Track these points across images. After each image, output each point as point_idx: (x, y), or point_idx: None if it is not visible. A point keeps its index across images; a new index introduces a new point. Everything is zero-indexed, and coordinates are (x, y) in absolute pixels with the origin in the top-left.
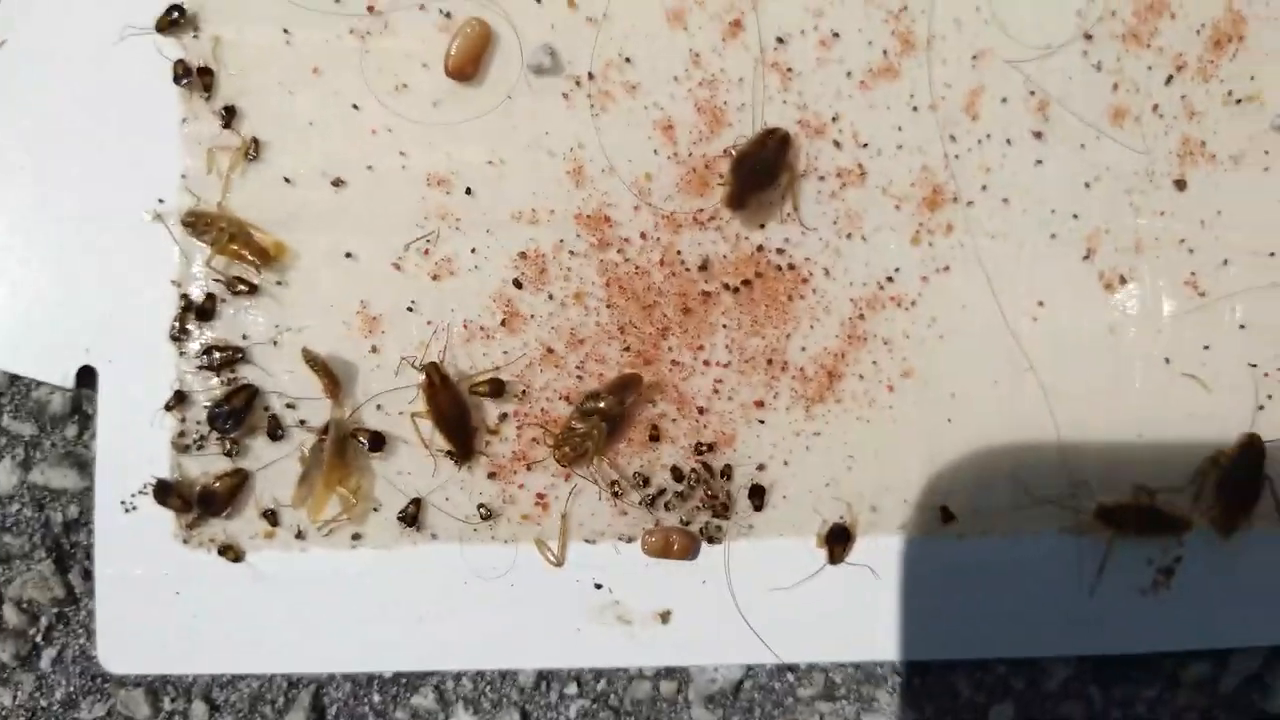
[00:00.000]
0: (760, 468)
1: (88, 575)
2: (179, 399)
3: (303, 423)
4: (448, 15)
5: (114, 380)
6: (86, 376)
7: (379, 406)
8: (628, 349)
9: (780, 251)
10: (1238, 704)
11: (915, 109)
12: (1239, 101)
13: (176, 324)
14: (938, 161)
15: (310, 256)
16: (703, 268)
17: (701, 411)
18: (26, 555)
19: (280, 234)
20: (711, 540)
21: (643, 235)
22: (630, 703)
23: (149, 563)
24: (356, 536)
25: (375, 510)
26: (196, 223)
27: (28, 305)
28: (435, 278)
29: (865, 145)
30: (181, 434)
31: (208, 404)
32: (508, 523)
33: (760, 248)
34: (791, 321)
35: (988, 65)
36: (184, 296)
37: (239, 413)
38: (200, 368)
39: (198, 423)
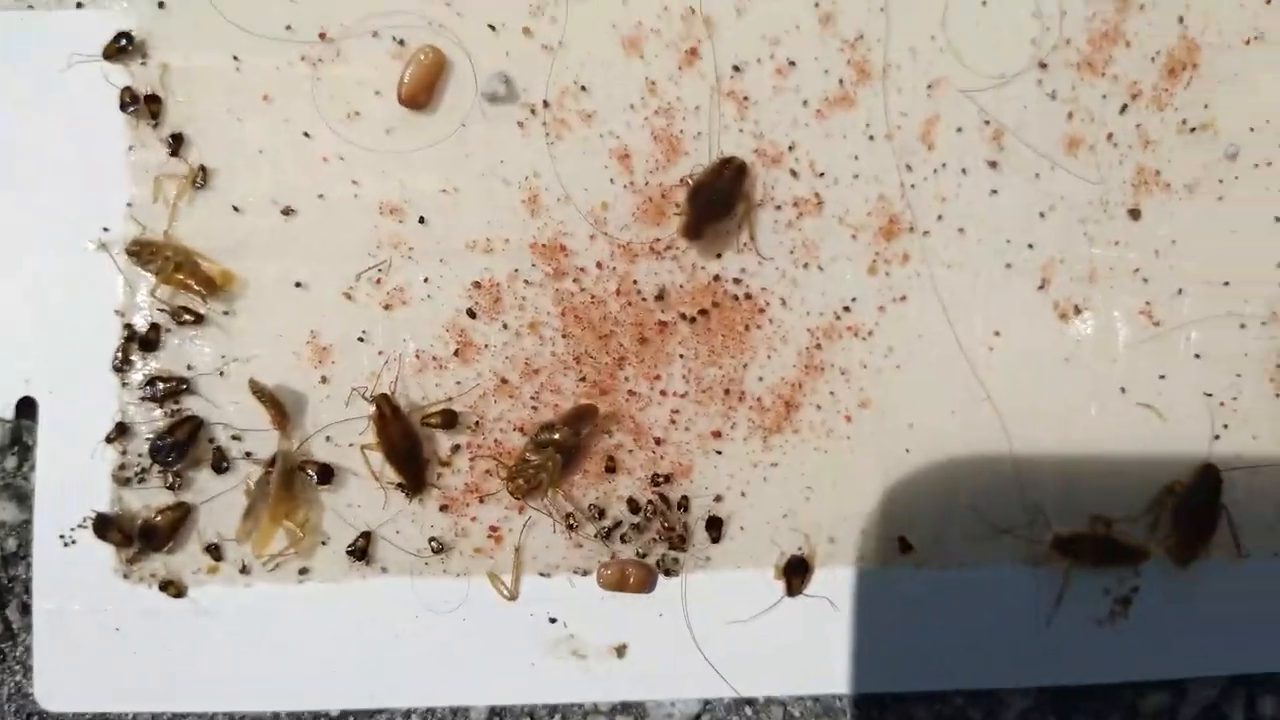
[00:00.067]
0: (718, 499)
1: (26, 610)
2: (121, 431)
3: (249, 455)
4: (401, 43)
5: (54, 411)
6: (26, 407)
7: (328, 438)
8: (583, 379)
9: (737, 281)
10: None
11: (871, 138)
12: (1193, 130)
13: (119, 354)
14: (894, 191)
15: (259, 286)
16: (659, 297)
17: (658, 442)
18: None
19: (228, 263)
20: (668, 573)
21: (599, 265)
22: None
23: (89, 598)
24: (304, 571)
25: (324, 544)
26: (141, 251)
27: None
28: (387, 307)
29: (822, 174)
30: (122, 466)
31: (150, 436)
32: (460, 556)
33: (717, 277)
34: (749, 351)
35: (943, 94)
36: (127, 326)
37: (182, 445)
38: (143, 399)
39: (139, 455)
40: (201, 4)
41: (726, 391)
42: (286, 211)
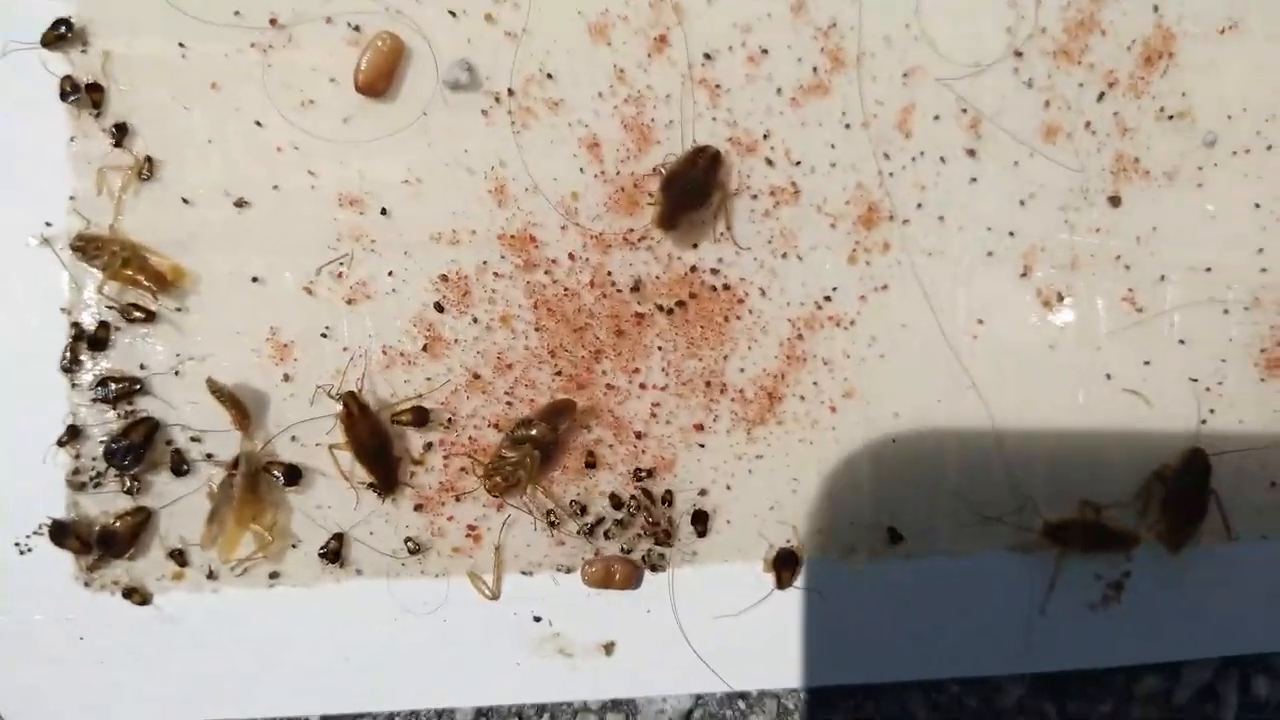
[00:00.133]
0: (702, 493)
1: None
2: (73, 434)
3: (210, 456)
4: (356, 29)
5: (3, 415)
6: None
7: (294, 438)
8: (559, 373)
9: (714, 272)
10: (1191, 716)
11: (848, 126)
12: (1171, 118)
13: (68, 354)
14: (872, 179)
15: (212, 280)
16: (635, 289)
17: (639, 436)
18: None
19: (179, 257)
20: (654, 568)
21: (571, 256)
22: None
23: (49, 608)
24: (274, 575)
25: (294, 547)
26: (87, 247)
27: None
28: (350, 302)
29: (798, 163)
30: (77, 471)
31: (104, 439)
32: (438, 556)
33: (694, 268)
34: (729, 343)
35: (919, 82)
36: (75, 325)
37: (138, 448)
38: (95, 400)
39: (94, 459)
40: None
41: (707, 384)
42: (239, 203)
